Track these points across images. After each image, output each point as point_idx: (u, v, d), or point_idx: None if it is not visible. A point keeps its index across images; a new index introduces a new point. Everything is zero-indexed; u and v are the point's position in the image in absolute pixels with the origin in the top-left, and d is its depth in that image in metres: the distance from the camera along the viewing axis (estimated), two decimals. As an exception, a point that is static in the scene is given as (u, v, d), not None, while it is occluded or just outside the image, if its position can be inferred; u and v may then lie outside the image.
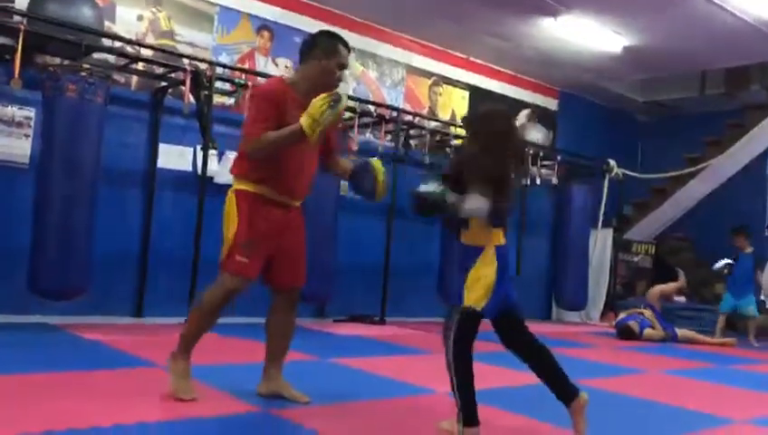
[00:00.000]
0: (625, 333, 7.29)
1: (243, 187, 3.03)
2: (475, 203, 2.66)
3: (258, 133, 2.93)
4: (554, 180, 8.53)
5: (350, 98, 7.00)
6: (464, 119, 3.00)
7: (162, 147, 6.01)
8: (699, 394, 4.46)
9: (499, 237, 2.78)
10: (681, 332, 7.38)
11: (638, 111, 10.64)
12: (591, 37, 7.52)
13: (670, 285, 7.74)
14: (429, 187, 2.76)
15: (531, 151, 8.16)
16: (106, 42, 5.59)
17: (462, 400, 2.71)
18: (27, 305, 5.06)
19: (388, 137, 7.20)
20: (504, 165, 2.77)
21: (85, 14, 5.26)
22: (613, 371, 5.10)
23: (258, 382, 3.22)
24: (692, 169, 9.24)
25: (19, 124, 5.29)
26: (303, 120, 2.81)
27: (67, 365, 3.27)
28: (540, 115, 9.43)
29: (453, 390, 2.72)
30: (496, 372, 4.70)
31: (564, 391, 2.84)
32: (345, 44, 3.16)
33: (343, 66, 3.12)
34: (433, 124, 7.73)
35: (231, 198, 3.03)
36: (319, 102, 2.81)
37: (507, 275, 2.77)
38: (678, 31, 7.28)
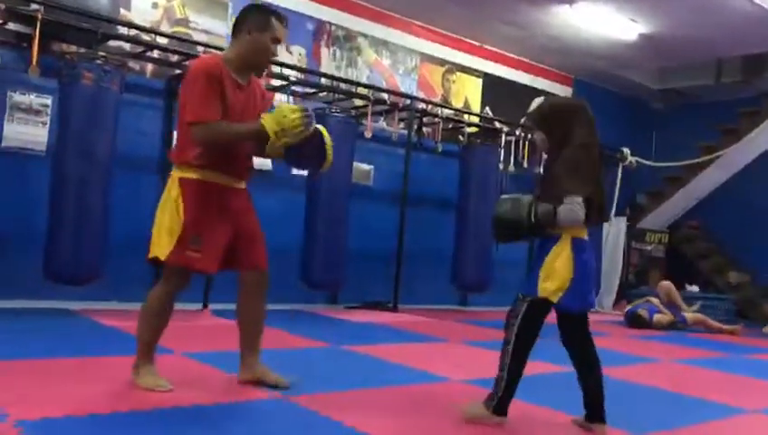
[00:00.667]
0: (635, 320, 7.30)
1: (188, 175, 2.88)
2: (573, 213, 2.60)
3: (211, 118, 2.78)
4: (568, 168, 8.48)
5: (363, 85, 7.01)
6: (532, 114, 2.86)
7: (176, 134, 6.04)
8: (712, 384, 4.46)
9: (579, 230, 2.70)
10: (689, 315, 7.39)
11: (652, 99, 10.56)
12: (607, 24, 7.46)
13: (680, 301, 7.68)
14: (509, 205, 2.69)
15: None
16: (121, 29, 5.61)
17: (504, 389, 2.70)
18: (44, 291, 5.12)
19: (402, 124, 7.20)
20: (596, 160, 2.69)
21: (101, 2, 5.30)
22: (626, 359, 5.10)
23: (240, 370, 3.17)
24: (706, 158, 9.18)
25: (36, 112, 5.33)
26: (269, 125, 2.74)
27: (85, 351, 3.32)
28: (554, 103, 9.37)
29: (498, 375, 2.71)
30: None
31: (595, 410, 2.82)
32: (279, 17, 3.02)
33: (277, 40, 2.99)
34: (446, 112, 7.72)
35: (174, 187, 2.88)
36: (292, 115, 2.73)
37: (589, 271, 2.69)
38: (694, 18, 7.21)
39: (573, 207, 2.60)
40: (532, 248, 8.30)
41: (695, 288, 8.74)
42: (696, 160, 9.23)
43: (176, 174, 2.91)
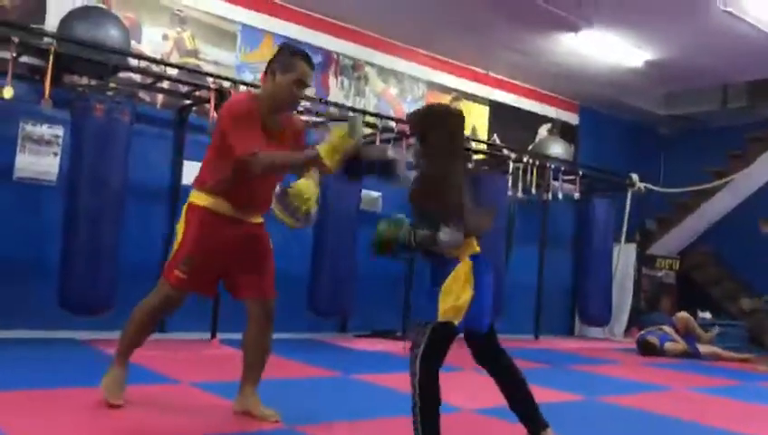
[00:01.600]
0: (646, 348, 7.23)
1: (197, 201, 3.00)
2: (452, 236, 2.55)
3: (257, 148, 2.80)
4: (576, 195, 8.49)
5: (371, 114, 7.06)
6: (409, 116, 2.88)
7: (187, 164, 6.09)
8: (725, 412, 4.40)
9: (473, 246, 2.65)
10: (704, 348, 7.30)
11: (660, 125, 10.57)
12: (612, 52, 7.51)
13: (698, 330, 7.62)
14: (389, 226, 2.68)
15: (551, 166, 8.14)
16: (132, 61, 5.69)
17: (423, 426, 2.53)
18: (55, 321, 5.13)
19: (410, 152, 7.22)
20: (461, 177, 2.64)
21: (112, 35, 5.36)
22: (638, 387, 5.05)
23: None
24: (716, 184, 9.15)
25: (48, 142, 5.39)
26: (323, 149, 2.71)
27: (94, 381, 3.31)
28: (561, 129, 9.42)
29: (414, 414, 2.56)
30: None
31: (535, 421, 2.74)
32: (306, 60, 3.01)
33: (302, 83, 2.98)
34: (454, 139, 7.74)
35: (185, 209, 3.04)
36: (339, 132, 2.74)
37: (485, 288, 2.60)
38: (700, 45, 7.25)
39: (453, 232, 2.56)
40: (541, 276, 8.27)
41: (707, 315, 8.66)
42: (706, 186, 9.21)
43: (190, 198, 3.04)
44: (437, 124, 2.67)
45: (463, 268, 2.57)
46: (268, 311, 3.13)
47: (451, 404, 3.76)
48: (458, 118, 2.73)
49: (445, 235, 2.55)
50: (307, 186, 2.88)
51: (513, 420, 3.44)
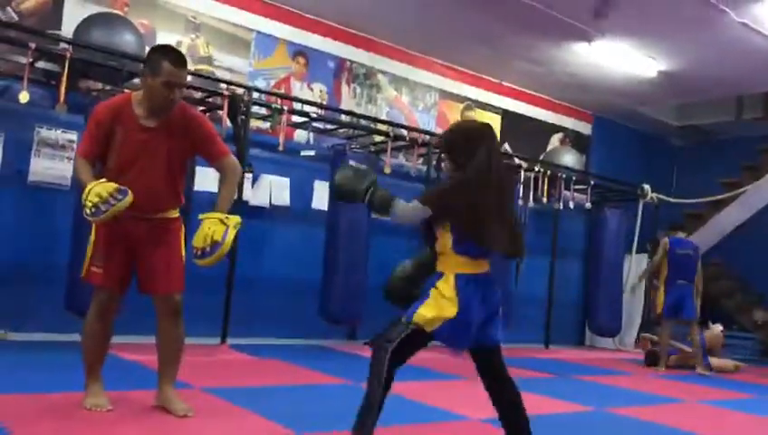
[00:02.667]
0: (653, 359, 7.19)
1: None
2: (406, 213, 2.55)
3: (82, 151, 3.07)
4: (587, 205, 8.47)
5: (383, 122, 7.08)
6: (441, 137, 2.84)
7: (199, 170, 6.12)
8: (737, 426, 4.36)
9: (466, 266, 2.56)
10: (714, 362, 7.24)
11: (673, 136, 10.54)
12: (626, 62, 7.50)
13: (719, 349, 7.60)
14: (352, 176, 2.65)
15: (563, 175, 8.13)
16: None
17: (361, 414, 2.59)
18: (68, 324, 5.15)
19: (421, 160, 7.24)
20: (487, 189, 2.52)
21: (127, 41, 5.41)
22: (649, 399, 5.01)
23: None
24: (728, 195, 9.10)
25: (62, 147, 5.44)
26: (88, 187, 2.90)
27: (107, 386, 3.32)
28: (573, 139, 9.40)
29: (363, 401, 2.62)
30: (535, 399, 4.65)
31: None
32: (173, 60, 2.99)
33: (171, 84, 2.99)
34: (465, 148, 7.74)
35: None
36: (102, 189, 2.85)
37: (476, 305, 2.54)
38: (714, 55, 7.22)
39: (412, 207, 2.55)
40: (552, 286, 8.24)
41: (719, 327, 8.58)
42: (718, 197, 9.16)
43: None
44: (472, 133, 2.65)
45: (445, 284, 2.55)
46: (172, 306, 3.19)
47: (458, 413, 3.75)
48: (491, 137, 2.66)
49: (399, 208, 2.56)
50: (200, 230, 3.00)
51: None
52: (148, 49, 5.25)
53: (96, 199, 2.84)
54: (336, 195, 2.74)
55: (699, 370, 6.88)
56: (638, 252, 9.04)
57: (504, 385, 2.74)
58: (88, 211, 2.86)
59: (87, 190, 2.89)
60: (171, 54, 3.02)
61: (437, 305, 2.55)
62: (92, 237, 3.12)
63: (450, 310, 2.52)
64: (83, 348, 3.16)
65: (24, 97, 4.85)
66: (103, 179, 2.94)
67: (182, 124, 3.13)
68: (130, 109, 3.07)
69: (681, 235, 7.34)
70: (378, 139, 7.02)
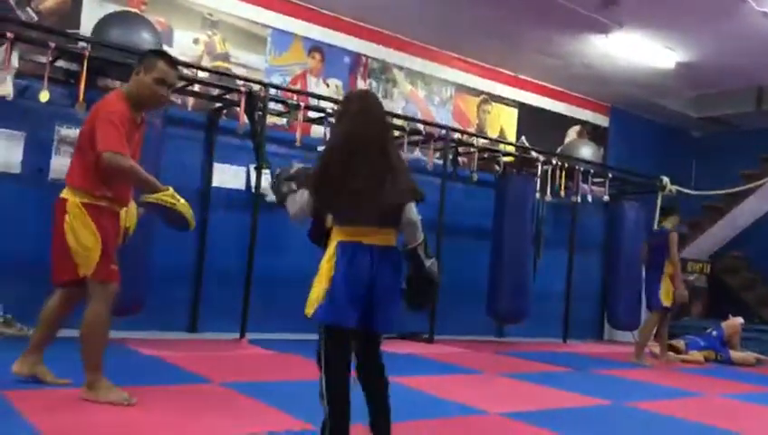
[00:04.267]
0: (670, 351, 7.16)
1: (89, 201, 3.16)
2: (291, 200, 2.50)
3: (124, 152, 3.11)
4: (606, 197, 8.42)
5: (399, 116, 7.08)
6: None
7: (217, 166, 6.18)
8: (759, 419, 4.33)
9: (346, 235, 2.45)
10: (734, 355, 7.18)
11: (692, 128, 10.43)
12: (643, 53, 7.43)
13: (737, 342, 7.51)
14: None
15: (580, 168, 8.08)
16: (164, 65, 5.77)
17: (330, 420, 2.37)
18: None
19: (437, 154, 7.23)
20: (347, 158, 2.44)
21: (145, 39, 5.45)
22: (668, 393, 4.99)
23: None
24: (748, 187, 8.99)
25: (82, 145, 5.49)
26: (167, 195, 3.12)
27: (127, 381, 3.37)
28: (590, 132, 9.34)
29: (323, 422, 2.41)
30: (553, 393, 4.67)
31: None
32: (167, 61, 3.30)
33: (163, 81, 3.24)
34: (482, 142, 7.73)
35: (80, 212, 3.14)
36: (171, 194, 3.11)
37: (354, 278, 2.39)
38: (733, 45, 7.13)
39: (297, 195, 2.49)
40: (570, 280, 8.21)
41: (738, 319, 8.51)
42: (737, 189, 9.06)
43: (77, 198, 3.17)
44: (342, 106, 2.71)
45: (325, 256, 2.45)
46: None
47: (477, 407, 3.76)
48: (358, 102, 2.62)
49: (293, 194, 2.52)
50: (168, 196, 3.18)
51: (540, 423, 3.44)
52: (165, 47, 5.30)
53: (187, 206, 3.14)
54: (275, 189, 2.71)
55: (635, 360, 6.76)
56: (656, 245, 8.96)
57: (371, 372, 2.58)
58: (190, 218, 3.14)
59: (178, 198, 3.12)
60: (166, 56, 3.35)
61: (318, 279, 2.43)
62: (101, 238, 3.16)
63: (324, 281, 2.39)
64: (98, 343, 3.19)
65: (44, 96, 4.90)
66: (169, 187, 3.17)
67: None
68: (129, 108, 3.23)
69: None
70: (394, 133, 7.01)
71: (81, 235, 3.13)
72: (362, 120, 2.53)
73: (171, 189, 3.16)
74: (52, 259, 3.27)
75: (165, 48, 5.88)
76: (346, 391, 2.41)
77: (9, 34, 4.78)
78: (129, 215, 3.45)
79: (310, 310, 2.40)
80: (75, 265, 3.17)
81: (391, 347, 6.27)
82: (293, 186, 2.55)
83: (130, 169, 3.12)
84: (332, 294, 2.37)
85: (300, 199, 2.48)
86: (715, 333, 7.36)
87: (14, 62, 4.86)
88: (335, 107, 6.65)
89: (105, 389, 3.15)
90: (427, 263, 2.53)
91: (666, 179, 8.95)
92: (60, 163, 5.40)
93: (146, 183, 3.16)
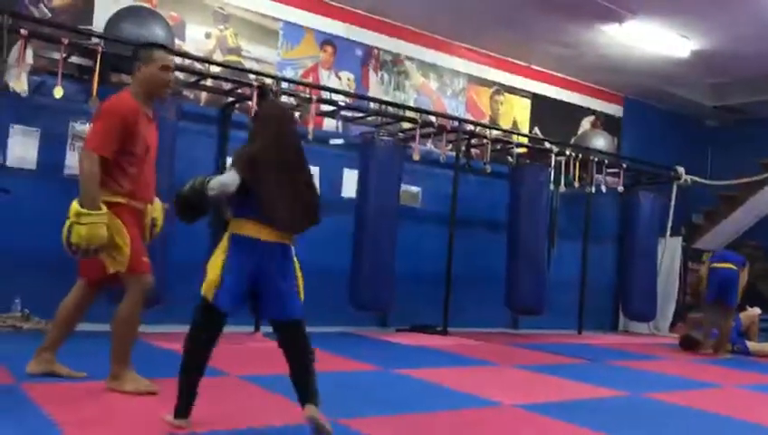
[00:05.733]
0: (689, 343, 7.11)
1: (110, 198, 3.21)
2: (217, 181, 2.63)
3: (104, 154, 3.16)
4: (620, 188, 8.36)
5: (411, 108, 7.07)
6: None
7: (230, 160, 6.18)
8: (777, 410, 4.29)
9: (241, 226, 2.65)
10: (752, 345, 7.12)
11: (707, 117, 10.32)
12: (658, 42, 7.35)
13: (755, 333, 7.46)
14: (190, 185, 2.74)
15: (594, 159, 8.04)
16: (177, 60, 5.78)
17: (179, 388, 2.67)
18: (104, 315, 5.26)
19: (450, 146, 7.21)
20: (264, 147, 2.66)
21: (157, 34, 5.46)
22: (685, 384, 4.96)
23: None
24: (764, 176, 8.89)
25: (96, 140, 5.52)
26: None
27: (146, 373, 3.39)
28: (604, 122, 9.27)
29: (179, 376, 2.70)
30: (569, 385, 4.65)
31: (300, 393, 2.68)
32: (162, 47, 3.51)
33: (166, 67, 3.39)
34: (494, 133, 7.70)
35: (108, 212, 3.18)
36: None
37: (240, 268, 2.62)
38: (750, 32, 7.05)
39: (224, 176, 2.66)
40: (585, 271, 8.16)
41: (756, 310, 8.43)
42: (754, 178, 8.96)
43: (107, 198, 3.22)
44: (262, 115, 2.86)
45: (221, 245, 2.68)
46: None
47: (491, 399, 3.76)
48: (278, 115, 2.83)
49: (214, 180, 2.66)
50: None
51: (556, 415, 3.43)
52: (177, 42, 5.31)
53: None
54: (179, 208, 2.86)
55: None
56: (672, 235, 8.91)
57: (297, 358, 2.75)
58: (64, 244, 3.19)
59: (78, 228, 3.15)
60: (156, 44, 3.54)
61: (210, 265, 2.65)
62: (128, 234, 3.23)
63: (218, 264, 2.62)
64: (127, 336, 3.27)
65: (58, 92, 4.94)
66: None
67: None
68: (137, 104, 3.31)
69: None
70: (406, 125, 7.01)
71: (109, 233, 3.18)
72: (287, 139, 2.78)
73: (94, 217, 3.11)
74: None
75: (177, 43, 5.91)
76: (201, 355, 2.76)
77: (23, 31, 4.82)
78: (156, 211, 3.54)
79: (209, 294, 2.64)
80: (102, 261, 3.23)
81: (406, 339, 6.31)
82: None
83: (87, 172, 3.14)
84: (226, 282, 2.65)
85: (229, 178, 2.63)
86: (732, 323, 7.29)
87: (29, 58, 4.90)
88: (347, 100, 6.66)
89: (130, 380, 3.22)
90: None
91: (681, 169, 8.89)
92: (75, 159, 5.44)
93: (86, 194, 3.14)
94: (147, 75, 3.33)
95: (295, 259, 2.77)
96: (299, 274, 2.77)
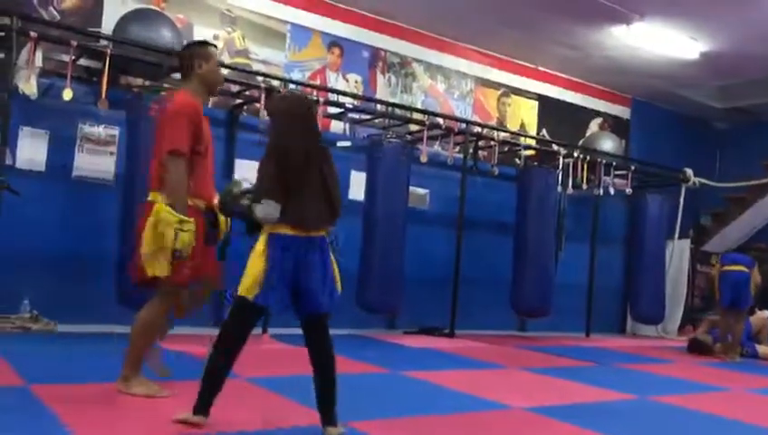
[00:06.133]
0: (697, 347, 7.07)
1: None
2: (266, 209, 2.64)
3: (184, 151, 3.16)
4: (628, 190, 8.34)
5: (418, 111, 7.07)
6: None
7: (238, 162, 6.20)
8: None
9: (276, 226, 2.69)
10: (762, 349, 7.08)
11: (715, 119, 10.27)
12: (666, 44, 7.33)
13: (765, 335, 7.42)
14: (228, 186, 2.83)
15: (602, 161, 8.01)
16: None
17: (201, 386, 2.69)
18: (114, 316, 5.27)
19: (457, 148, 7.20)
20: (294, 164, 2.68)
21: (165, 36, 5.48)
22: (694, 388, 4.94)
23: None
24: (772, 178, 8.84)
25: (105, 143, 5.56)
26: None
27: (156, 375, 3.40)
28: (612, 124, 9.25)
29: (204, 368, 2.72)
30: (576, 388, 4.64)
31: (323, 413, 2.74)
32: (212, 44, 3.52)
33: (221, 63, 3.60)
34: (502, 135, 7.68)
35: (165, 214, 3.12)
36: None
37: (282, 267, 2.65)
38: (758, 34, 7.01)
39: (266, 207, 2.65)
40: (593, 273, 8.13)
41: (766, 313, 8.39)
42: (763, 181, 8.91)
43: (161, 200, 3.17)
44: (283, 109, 2.83)
45: (259, 243, 2.70)
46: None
47: (500, 401, 3.75)
48: (303, 106, 2.86)
49: (259, 208, 2.65)
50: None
51: (564, 418, 3.42)
52: (185, 43, 5.32)
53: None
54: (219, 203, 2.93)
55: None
56: (680, 238, 8.87)
57: (319, 353, 2.80)
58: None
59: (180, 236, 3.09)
60: (206, 42, 3.52)
61: (251, 266, 2.68)
62: (187, 240, 3.15)
63: (259, 268, 2.65)
64: (145, 342, 3.27)
65: (67, 94, 4.95)
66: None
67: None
68: (198, 104, 3.31)
69: None
70: (414, 128, 7.00)
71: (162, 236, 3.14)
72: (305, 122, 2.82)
73: (191, 223, 3.08)
74: (135, 260, 3.21)
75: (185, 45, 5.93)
76: (232, 356, 2.81)
77: (33, 34, 4.84)
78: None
79: (251, 294, 2.66)
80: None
81: (414, 341, 6.30)
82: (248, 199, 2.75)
83: (176, 177, 3.11)
84: (268, 281, 2.68)
85: (273, 208, 2.65)
86: (743, 327, 7.25)
87: (38, 61, 4.92)
88: (355, 102, 6.66)
89: (139, 383, 3.22)
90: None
91: (689, 171, 8.85)
92: (83, 160, 5.48)
93: (180, 200, 3.11)
94: (207, 72, 3.36)
95: (330, 250, 2.80)
96: (335, 265, 2.78)
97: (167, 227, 3.02)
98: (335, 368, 2.77)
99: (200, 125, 3.24)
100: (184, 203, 3.10)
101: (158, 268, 3.08)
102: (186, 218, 3.06)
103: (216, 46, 3.55)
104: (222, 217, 3.27)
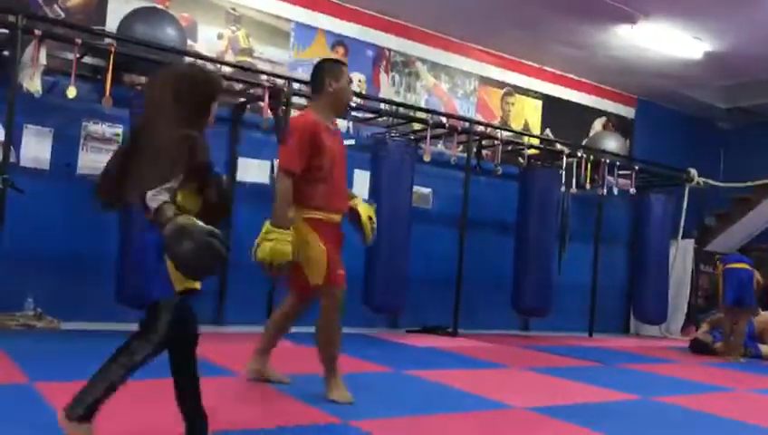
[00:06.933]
0: (698, 347, 7.06)
1: (307, 214, 3.35)
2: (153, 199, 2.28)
3: (294, 169, 3.32)
4: (632, 190, 8.32)
5: (422, 110, 7.06)
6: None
7: (241, 160, 6.20)
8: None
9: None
10: (765, 349, 7.07)
11: (720, 119, 10.25)
12: (671, 44, 7.31)
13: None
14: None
15: (606, 161, 8.00)
16: (188, 60, 5.80)
17: (98, 393, 2.46)
18: (115, 314, 5.29)
19: (461, 148, 7.19)
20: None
21: (169, 34, 5.49)
22: (697, 388, 4.93)
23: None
24: (777, 178, 8.82)
25: (108, 140, 5.56)
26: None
27: (156, 373, 3.39)
28: (616, 123, 9.23)
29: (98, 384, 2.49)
30: (579, 388, 4.63)
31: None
32: (343, 63, 3.60)
33: (351, 82, 3.63)
34: (506, 134, 7.68)
35: (302, 226, 3.33)
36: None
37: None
38: (762, 35, 6.99)
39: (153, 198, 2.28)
40: (596, 273, 8.12)
41: (768, 314, 8.38)
42: (766, 181, 8.89)
43: (302, 213, 3.36)
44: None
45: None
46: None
47: (503, 401, 3.74)
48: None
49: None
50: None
51: (567, 418, 3.41)
52: (189, 42, 5.32)
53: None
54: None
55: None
56: (684, 238, 8.85)
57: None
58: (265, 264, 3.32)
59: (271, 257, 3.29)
60: (338, 60, 3.71)
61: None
62: (325, 248, 3.33)
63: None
64: (333, 347, 3.40)
65: (71, 92, 4.96)
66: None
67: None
68: (321, 121, 3.42)
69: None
70: (417, 127, 7.00)
71: (306, 248, 3.30)
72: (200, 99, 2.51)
73: (277, 234, 3.22)
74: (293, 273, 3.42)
75: (189, 43, 5.94)
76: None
77: (37, 32, 4.84)
78: (369, 210, 3.75)
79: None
80: (305, 275, 3.34)
81: (417, 341, 6.30)
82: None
83: (279, 192, 3.31)
84: None
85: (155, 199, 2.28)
86: (746, 327, 7.24)
87: (43, 58, 4.93)
88: (358, 101, 6.65)
89: (336, 387, 3.36)
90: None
91: (693, 171, 8.83)
92: (87, 159, 5.48)
93: (276, 212, 3.30)
94: (337, 90, 3.44)
95: None
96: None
97: (260, 237, 3.26)
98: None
99: (318, 140, 3.32)
100: (280, 215, 3.26)
101: (314, 277, 3.31)
102: (274, 229, 3.21)
103: (345, 64, 3.58)
104: (364, 219, 3.65)
